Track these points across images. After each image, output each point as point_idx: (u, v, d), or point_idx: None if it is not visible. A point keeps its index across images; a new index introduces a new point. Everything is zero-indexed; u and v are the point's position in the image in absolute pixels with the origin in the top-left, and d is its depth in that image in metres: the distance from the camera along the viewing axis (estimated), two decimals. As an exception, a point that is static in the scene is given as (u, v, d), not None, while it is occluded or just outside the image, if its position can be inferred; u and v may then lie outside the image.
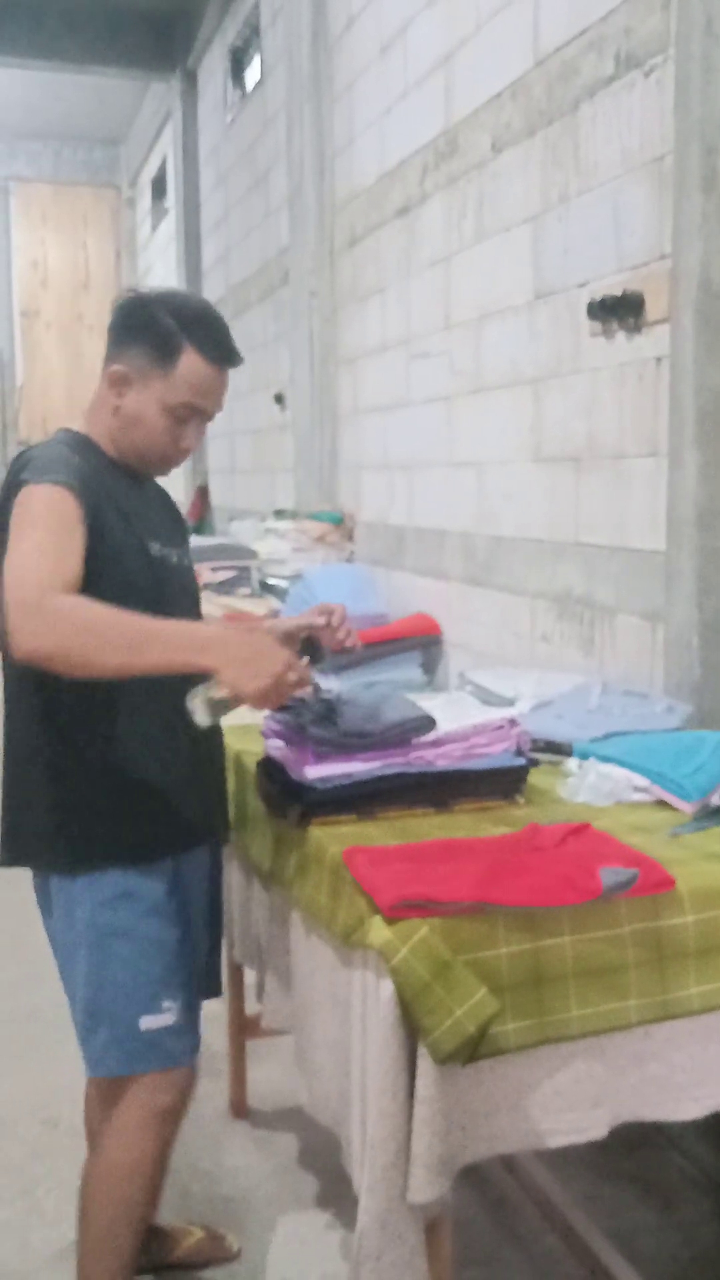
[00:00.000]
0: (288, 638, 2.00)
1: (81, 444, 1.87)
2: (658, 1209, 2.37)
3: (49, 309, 12.22)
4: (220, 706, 1.67)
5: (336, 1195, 2.40)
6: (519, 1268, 2.21)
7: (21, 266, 12.17)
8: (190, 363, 1.85)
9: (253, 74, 7.42)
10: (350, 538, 5.26)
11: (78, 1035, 1.89)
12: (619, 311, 2.89)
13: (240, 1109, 2.72)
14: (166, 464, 1.95)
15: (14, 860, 1.89)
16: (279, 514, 5.79)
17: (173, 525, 2.04)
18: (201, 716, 1.68)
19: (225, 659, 1.62)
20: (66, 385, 12.12)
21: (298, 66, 5.59)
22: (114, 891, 1.82)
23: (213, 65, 8.34)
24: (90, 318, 12.26)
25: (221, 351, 1.88)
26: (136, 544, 1.83)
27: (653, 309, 2.77)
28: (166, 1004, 1.85)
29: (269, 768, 1.98)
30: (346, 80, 5.16)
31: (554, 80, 3.22)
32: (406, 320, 4.53)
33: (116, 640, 1.60)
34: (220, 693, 1.64)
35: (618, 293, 2.87)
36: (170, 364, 1.84)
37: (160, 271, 10.75)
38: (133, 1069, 1.86)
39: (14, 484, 1.74)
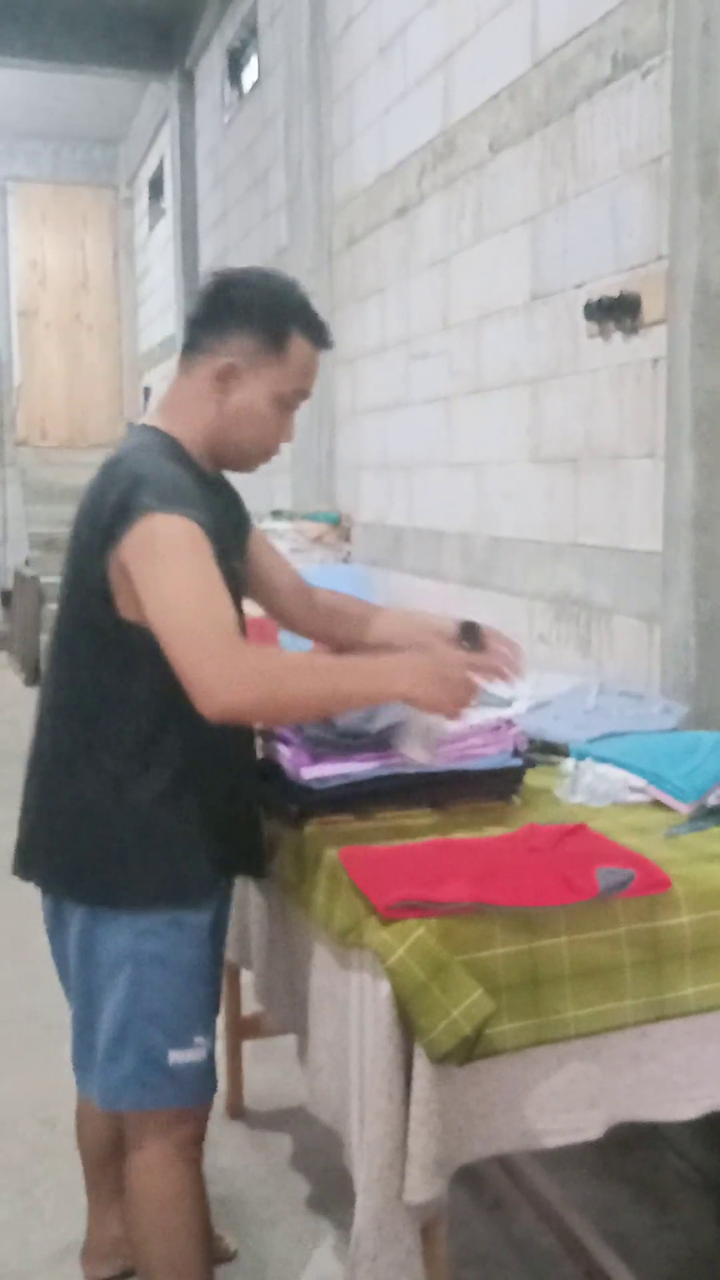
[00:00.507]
0: (445, 638, 1.99)
1: (174, 450, 1.75)
2: (654, 1210, 2.37)
3: (47, 309, 12.21)
4: (431, 733, 1.70)
5: (333, 1196, 2.40)
6: (515, 1268, 2.21)
7: (20, 266, 12.16)
8: (299, 346, 1.76)
9: (250, 74, 7.42)
10: (348, 538, 5.27)
11: (93, 1064, 1.79)
12: (616, 312, 2.89)
13: (237, 1110, 2.71)
14: (265, 459, 1.86)
15: (51, 888, 1.80)
16: (276, 514, 5.79)
17: (236, 528, 1.92)
18: (422, 753, 1.71)
19: (416, 685, 1.66)
20: (65, 385, 12.12)
21: (296, 67, 5.59)
22: (162, 919, 1.73)
23: (211, 66, 8.35)
24: (89, 317, 12.25)
25: (323, 332, 1.81)
26: (227, 569, 1.69)
27: (650, 310, 2.78)
28: (198, 1039, 1.78)
29: (266, 768, 1.98)
30: (345, 81, 5.16)
31: (552, 81, 3.22)
32: (405, 321, 4.53)
33: (311, 689, 1.61)
34: (424, 720, 1.68)
35: (615, 294, 2.88)
36: (282, 349, 1.75)
37: (159, 272, 10.75)
38: (154, 1105, 1.76)
39: (128, 505, 1.60)
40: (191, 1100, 1.81)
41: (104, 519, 1.63)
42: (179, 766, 1.71)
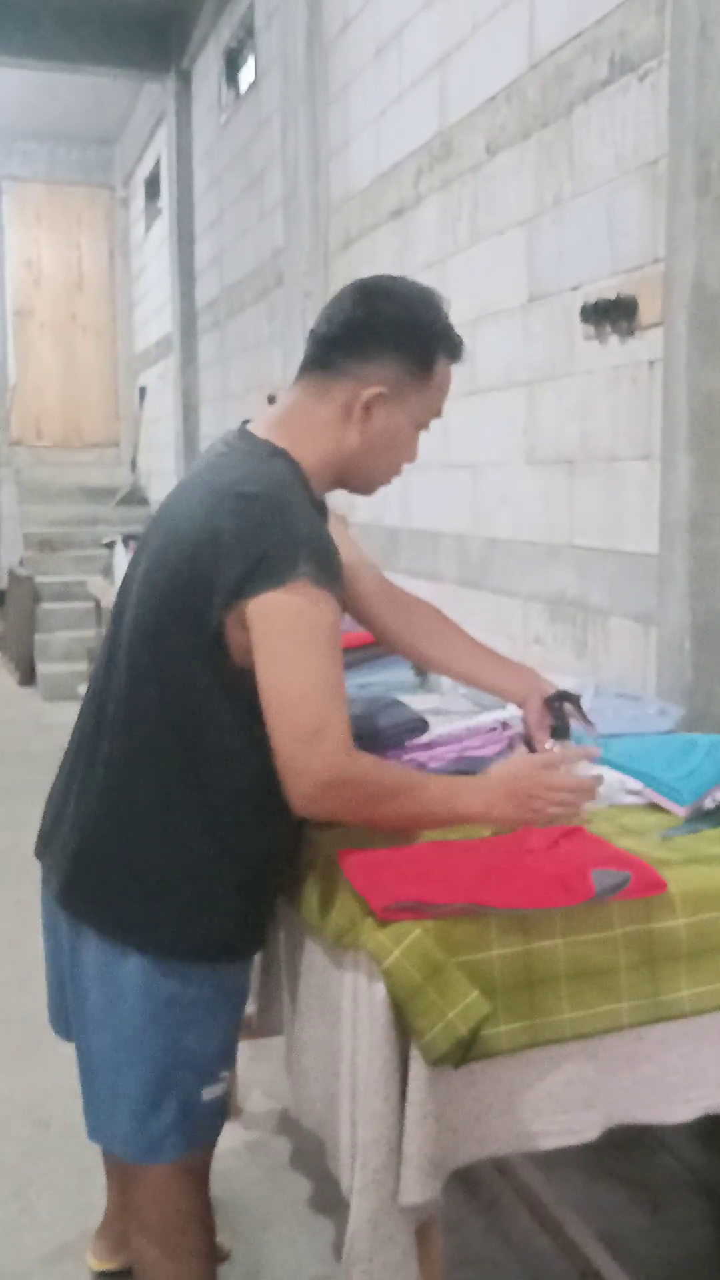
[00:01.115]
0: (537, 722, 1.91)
1: (299, 481, 1.62)
2: (649, 1211, 2.37)
3: (42, 308, 12.20)
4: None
5: (328, 1197, 2.40)
6: (510, 1269, 2.21)
7: (15, 266, 12.14)
8: (442, 368, 1.68)
9: (247, 75, 7.42)
10: (344, 539, 5.26)
11: (128, 1122, 1.68)
12: (612, 315, 2.89)
13: (232, 1111, 2.71)
14: (387, 483, 1.77)
15: (114, 932, 1.66)
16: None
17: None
18: None
19: (493, 805, 1.63)
20: (60, 385, 12.10)
21: (293, 68, 5.59)
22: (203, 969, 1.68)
23: (207, 66, 8.35)
24: (84, 317, 12.24)
25: (459, 348, 1.70)
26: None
27: (646, 312, 2.78)
28: (224, 1074, 1.74)
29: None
30: (342, 82, 5.17)
31: (549, 83, 3.23)
32: (400, 322, 4.52)
33: (400, 813, 1.60)
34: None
35: (611, 296, 2.88)
36: (428, 373, 1.66)
37: (154, 272, 10.75)
38: (191, 1148, 1.71)
39: (281, 563, 1.48)
40: (215, 1133, 1.78)
41: (240, 567, 1.50)
42: (281, 822, 1.65)
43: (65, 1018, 1.84)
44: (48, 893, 1.79)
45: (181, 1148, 1.70)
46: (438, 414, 1.73)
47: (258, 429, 1.69)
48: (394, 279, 1.73)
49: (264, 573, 1.48)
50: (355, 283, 1.70)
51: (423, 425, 1.71)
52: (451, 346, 1.68)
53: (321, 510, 1.71)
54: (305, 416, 1.66)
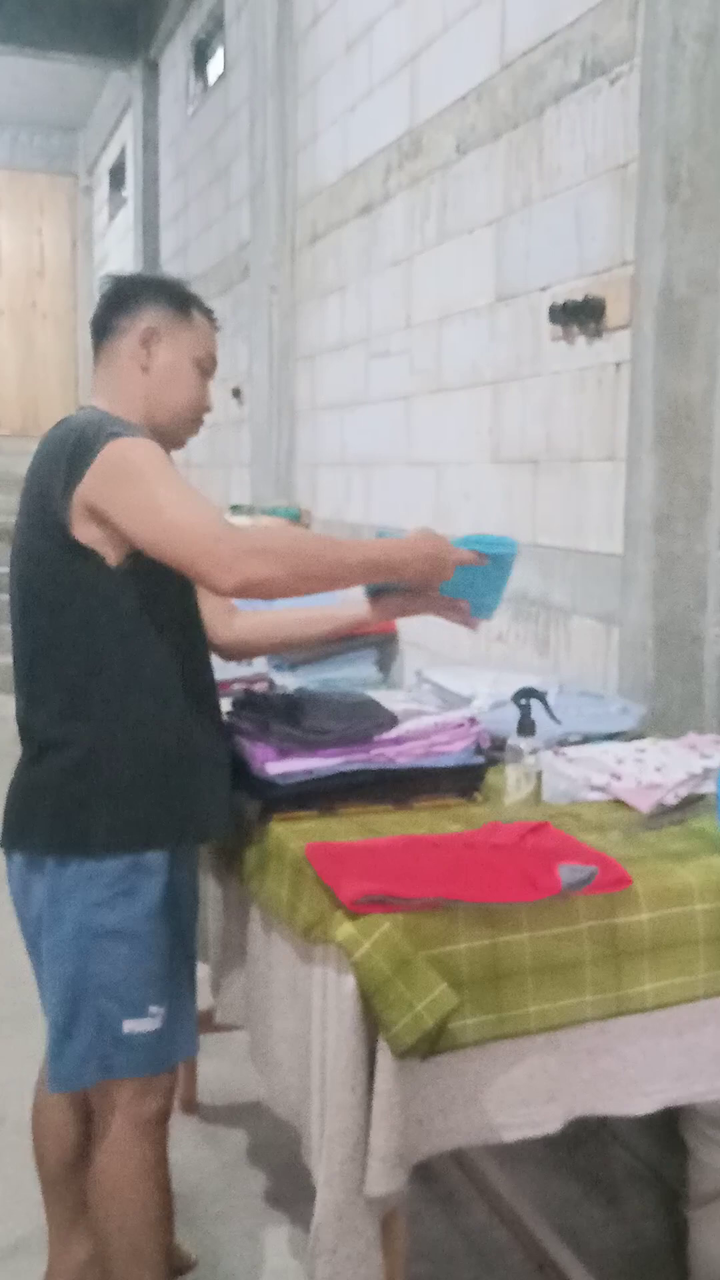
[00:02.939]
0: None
1: (107, 416, 1.79)
2: (604, 1204, 2.40)
3: (2, 297, 12.08)
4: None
5: (286, 1191, 2.40)
6: (467, 1262, 2.23)
7: (-25, 252, 12.02)
8: (199, 317, 1.93)
9: (216, 66, 7.39)
10: (306, 534, 5.26)
11: (49, 1048, 1.79)
12: (580, 316, 2.91)
13: (190, 1104, 2.71)
14: (195, 427, 1.96)
15: (13, 843, 1.81)
16: (235, 509, 5.77)
17: None
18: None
19: (417, 571, 1.85)
20: (19, 373, 11.98)
21: (262, 60, 5.57)
22: (111, 890, 1.74)
23: (175, 56, 8.30)
24: (44, 305, 12.13)
25: (209, 310, 1.97)
26: None
27: (614, 315, 2.80)
28: (153, 1009, 1.78)
29: (233, 763, 1.98)
30: (311, 76, 5.16)
31: (519, 84, 3.24)
32: (366, 318, 4.53)
33: (320, 565, 1.72)
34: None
35: (579, 298, 2.90)
36: (188, 315, 1.91)
37: (117, 260, 10.67)
38: (109, 1075, 1.78)
39: (90, 441, 1.67)
40: (152, 1068, 1.81)
41: (63, 466, 1.67)
42: (147, 717, 1.76)
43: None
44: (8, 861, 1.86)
45: (98, 1075, 1.77)
46: (213, 359, 1.95)
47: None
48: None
49: (79, 456, 1.66)
50: (109, 275, 1.98)
51: (201, 365, 1.92)
52: (201, 305, 1.95)
53: None
54: (104, 383, 1.90)
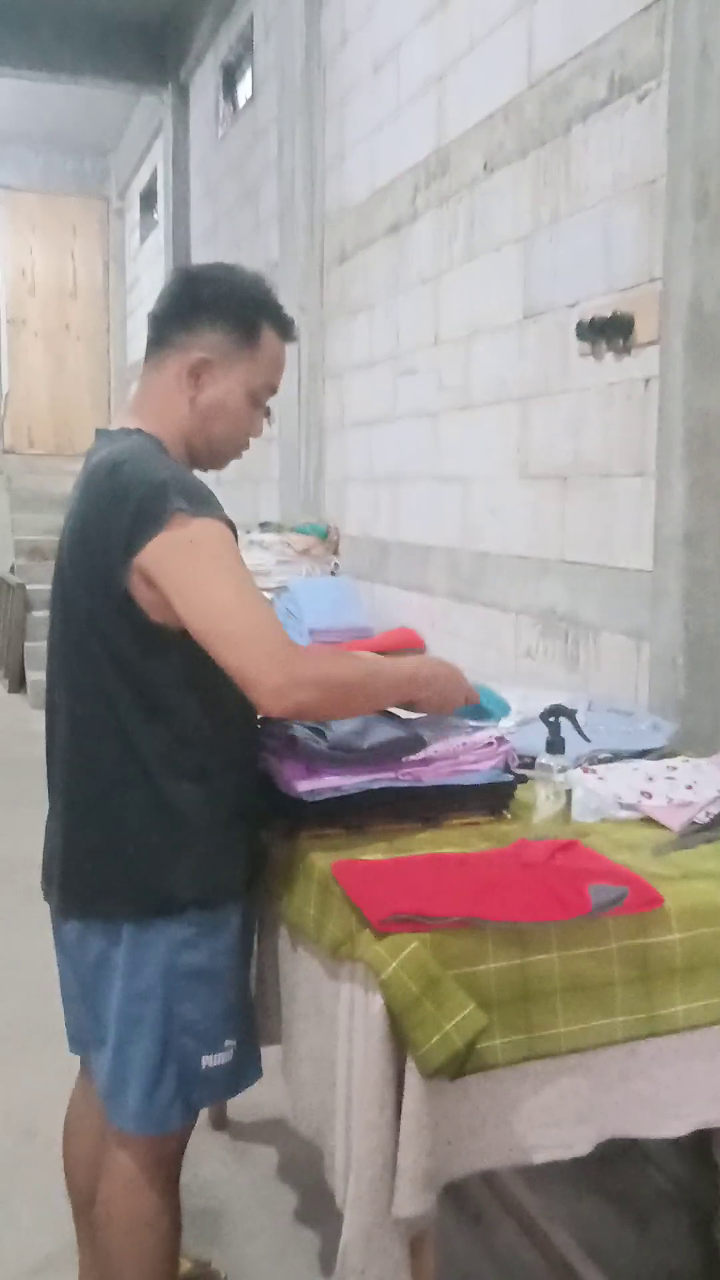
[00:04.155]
0: None
1: (157, 447, 1.72)
2: (635, 1226, 2.37)
3: (35, 317, 12.21)
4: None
5: (316, 1208, 2.39)
6: (497, 1284, 2.21)
7: (9, 274, 12.16)
8: (269, 339, 1.76)
9: (244, 89, 7.46)
10: (335, 551, 5.28)
11: (135, 1095, 1.73)
12: (608, 332, 2.91)
13: (220, 1121, 2.70)
14: (236, 456, 1.86)
15: (83, 912, 1.74)
16: (264, 526, 5.80)
17: None
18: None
19: (431, 693, 1.84)
20: (51, 393, 12.11)
21: (290, 82, 5.62)
22: (195, 929, 1.71)
23: (205, 79, 8.38)
24: (76, 327, 12.26)
25: (290, 326, 1.81)
26: None
27: (642, 331, 2.80)
28: (228, 1042, 1.77)
29: (258, 780, 1.98)
30: (339, 96, 5.19)
31: (547, 101, 3.25)
32: (394, 336, 4.55)
33: (361, 696, 1.73)
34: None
35: (607, 314, 2.90)
36: (254, 342, 1.75)
37: (148, 283, 10.76)
38: (190, 1114, 1.77)
39: (156, 511, 1.57)
40: (218, 1099, 1.85)
41: (123, 525, 1.59)
42: (210, 768, 1.71)
43: (79, 1034, 1.88)
44: (53, 912, 1.83)
45: (183, 1116, 1.76)
46: (272, 388, 1.81)
47: (117, 421, 1.82)
48: (217, 263, 1.85)
49: (141, 524, 1.57)
50: (181, 267, 1.84)
51: (256, 396, 1.79)
52: (278, 321, 1.79)
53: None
54: (148, 395, 1.78)
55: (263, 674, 1.56)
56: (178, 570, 1.58)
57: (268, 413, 1.87)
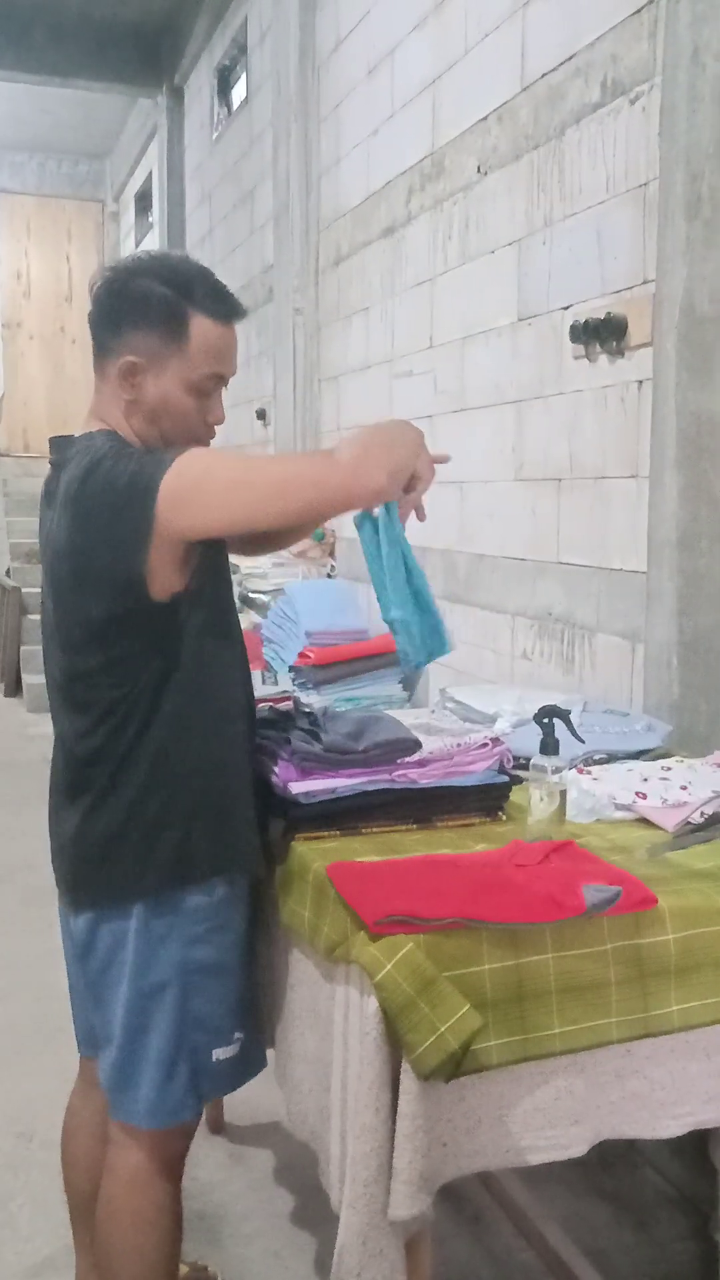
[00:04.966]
0: None
1: (120, 440, 1.71)
2: (633, 1227, 2.37)
3: (31, 321, 12.21)
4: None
5: (313, 1211, 2.39)
6: (495, 1285, 2.21)
7: (4, 278, 12.16)
8: (201, 328, 1.69)
9: (239, 92, 7.46)
10: (332, 553, 5.28)
11: (149, 1089, 1.75)
12: (602, 335, 2.92)
13: (217, 1124, 2.71)
14: (202, 444, 1.79)
15: (94, 902, 1.75)
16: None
17: None
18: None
19: (362, 449, 1.65)
20: (47, 397, 12.10)
21: (285, 85, 5.62)
22: (207, 925, 1.74)
23: (199, 83, 8.38)
24: (73, 330, 12.25)
25: (227, 306, 1.73)
26: (228, 571, 1.82)
27: (636, 333, 2.81)
28: (237, 1034, 1.80)
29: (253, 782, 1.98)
30: (334, 100, 5.20)
31: (540, 105, 3.26)
32: (390, 339, 4.56)
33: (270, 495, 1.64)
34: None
35: (601, 316, 2.91)
36: (182, 337, 1.68)
37: (143, 285, 10.76)
38: (201, 1106, 1.80)
39: (145, 475, 1.58)
40: (225, 1090, 1.86)
41: (128, 514, 1.58)
42: (202, 737, 1.72)
43: (89, 1035, 1.90)
44: (63, 908, 1.86)
45: (197, 1106, 1.80)
46: (219, 376, 1.74)
47: (83, 427, 1.79)
48: (148, 255, 1.77)
49: (144, 493, 1.56)
50: (108, 267, 1.77)
51: (199, 388, 1.72)
52: (210, 306, 1.70)
53: None
54: (99, 399, 1.78)
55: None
56: (189, 509, 1.58)
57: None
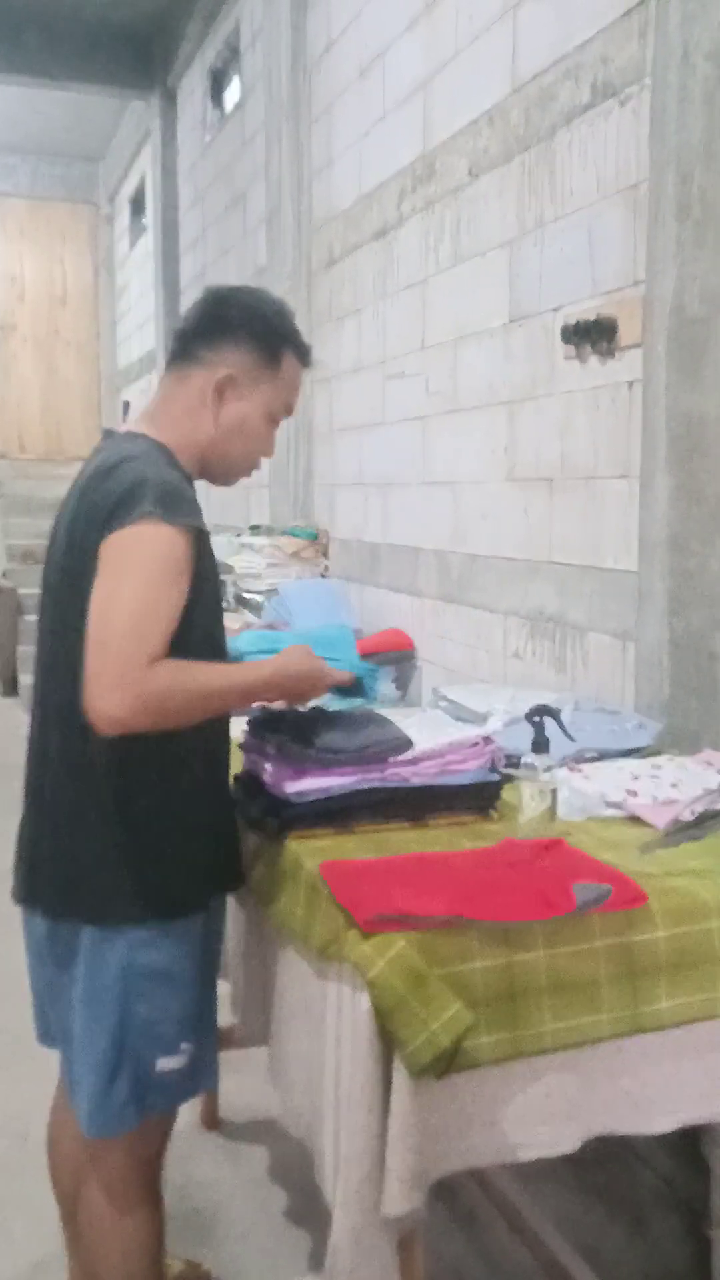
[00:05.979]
0: None
1: (158, 450, 1.73)
2: (626, 1224, 2.38)
3: (25, 323, 12.21)
4: None
5: (308, 1208, 2.40)
6: (489, 1283, 2.22)
7: (-2, 280, 12.17)
8: (289, 363, 1.83)
9: (232, 94, 7.47)
10: (325, 554, 5.29)
11: (89, 1097, 1.73)
12: (592, 336, 2.93)
13: (212, 1121, 2.71)
14: (248, 474, 1.90)
15: (47, 911, 1.76)
16: (254, 529, 5.81)
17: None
18: None
19: (284, 693, 1.83)
20: (41, 399, 12.11)
21: (277, 88, 5.63)
22: (153, 932, 1.71)
23: (192, 85, 8.39)
24: (66, 333, 12.25)
25: (308, 352, 1.87)
26: (217, 582, 1.79)
27: (626, 334, 2.82)
28: (184, 1045, 1.77)
29: (246, 781, 1.99)
30: (325, 102, 5.21)
31: (531, 107, 3.27)
32: (382, 341, 4.56)
33: (198, 715, 1.65)
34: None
35: (591, 317, 2.92)
36: (276, 365, 1.81)
37: (138, 288, 10.77)
38: (145, 1115, 1.75)
39: (129, 506, 1.58)
40: (171, 1103, 1.81)
41: (101, 517, 1.60)
42: (164, 777, 1.71)
43: (48, 1028, 1.89)
44: (21, 905, 1.84)
45: (136, 1119, 1.74)
46: (289, 410, 1.87)
47: (129, 425, 1.83)
48: (244, 286, 1.92)
49: (118, 516, 1.58)
50: (211, 287, 1.87)
51: (274, 417, 1.85)
52: (299, 347, 1.85)
53: (188, 481, 1.78)
54: (167, 405, 1.81)
55: (97, 690, 1.52)
56: (105, 565, 1.58)
57: None
